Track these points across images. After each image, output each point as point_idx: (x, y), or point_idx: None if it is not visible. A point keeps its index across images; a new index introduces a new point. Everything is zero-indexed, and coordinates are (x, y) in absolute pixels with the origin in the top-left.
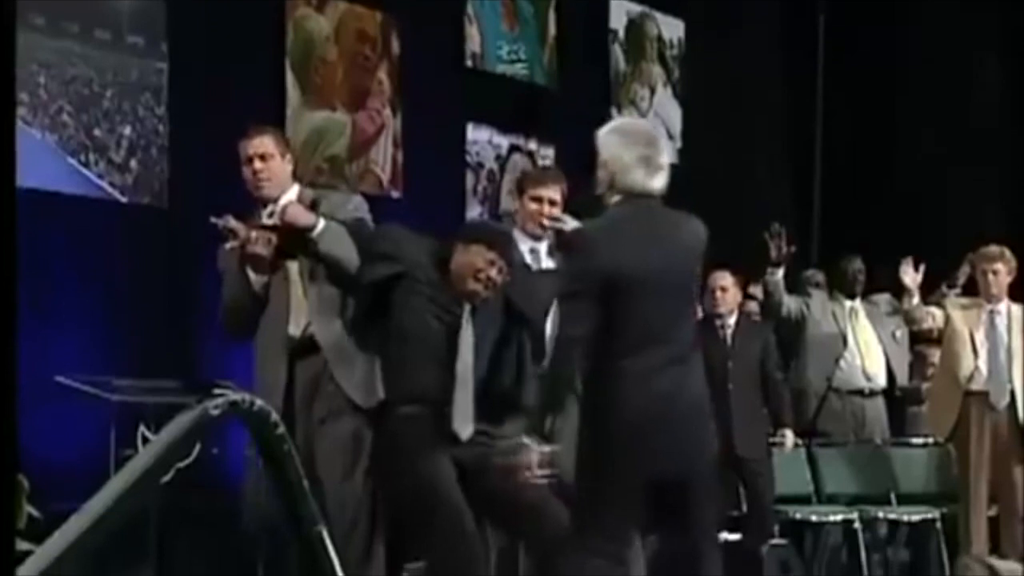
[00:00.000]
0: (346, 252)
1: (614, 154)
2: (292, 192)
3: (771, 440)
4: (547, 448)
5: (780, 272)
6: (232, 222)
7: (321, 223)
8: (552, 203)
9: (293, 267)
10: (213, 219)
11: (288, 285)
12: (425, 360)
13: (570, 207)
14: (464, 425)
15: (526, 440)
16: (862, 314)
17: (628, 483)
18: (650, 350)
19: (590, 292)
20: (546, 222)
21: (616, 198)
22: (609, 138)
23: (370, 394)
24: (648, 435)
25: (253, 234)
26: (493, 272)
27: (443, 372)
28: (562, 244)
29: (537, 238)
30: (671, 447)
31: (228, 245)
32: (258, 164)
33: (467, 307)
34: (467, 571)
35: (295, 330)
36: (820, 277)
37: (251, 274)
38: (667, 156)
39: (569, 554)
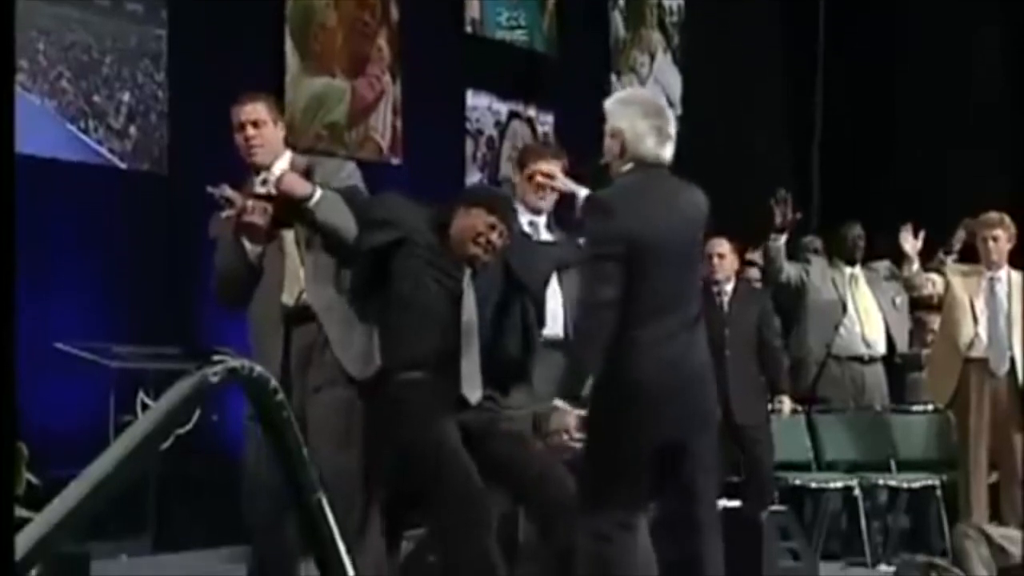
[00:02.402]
0: (343, 221)
1: (627, 123)
2: (285, 159)
3: (769, 407)
4: (582, 412)
5: (783, 238)
6: (228, 191)
7: (318, 192)
8: (552, 179)
9: (288, 236)
10: (210, 189)
11: (283, 254)
12: (427, 325)
13: (573, 175)
14: (473, 389)
15: (560, 404)
16: (862, 280)
17: (638, 450)
18: (660, 318)
19: (615, 255)
20: (540, 178)
21: (627, 167)
22: (620, 107)
23: (366, 365)
24: (658, 402)
25: (249, 203)
26: (493, 236)
27: (445, 337)
28: (580, 211)
29: (537, 211)
30: (679, 414)
31: (224, 214)
32: (250, 131)
33: (467, 271)
34: (475, 533)
35: (289, 299)
36: (818, 243)
37: (246, 244)
38: (674, 126)
39: (578, 519)
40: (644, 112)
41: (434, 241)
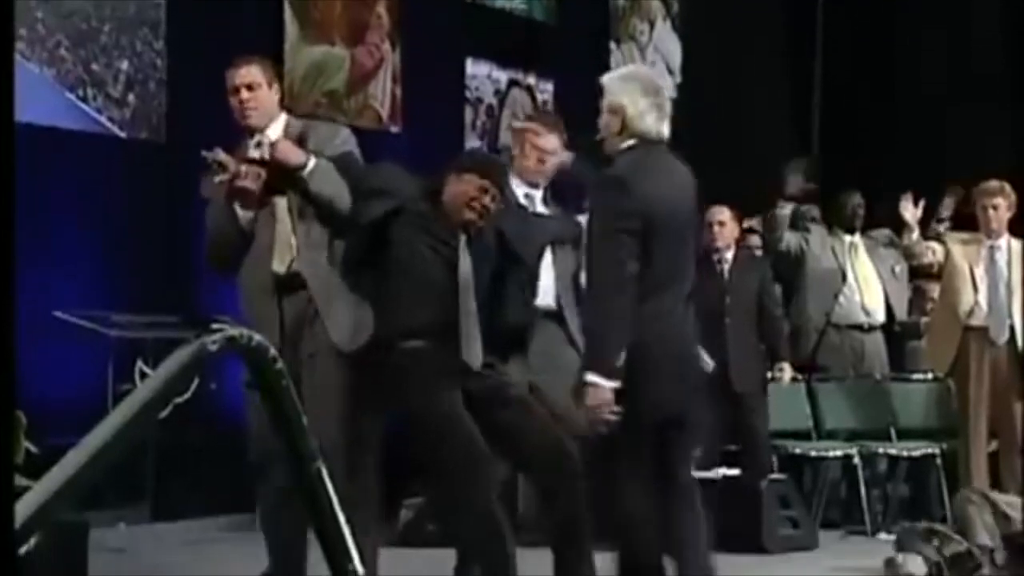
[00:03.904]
0: (337, 191)
1: (628, 100)
2: (280, 122)
3: (769, 375)
4: (616, 384)
5: (789, 207)
6: (221, 155)
7: (312, 162)
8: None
9: (281, 203)
10: (204, 153)
11: (274, 221)
12: (424, 293)
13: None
14: (474, 355)
15: (596, 379)
16: (861, 249)
17: (649, 422)
18: (660, 294)
19: (633, 230)
20: (526, 133)
21: (628, 143)
22: (621, 84)
23: (354, 336)
24: (660, 376)
25: (243, 168)
26: (487, 200)
27: (443, 304)
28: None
29: (533, 184)
30: (677, 387)
31: (217, 179)
32: (245, 94)
33: (463, 238)
34: (479, 500)
35: (280, 266)
36: (815, 212)
37: (238, 209)
38: (670, 104)
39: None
40: (644, 89)
41: (428, 209)
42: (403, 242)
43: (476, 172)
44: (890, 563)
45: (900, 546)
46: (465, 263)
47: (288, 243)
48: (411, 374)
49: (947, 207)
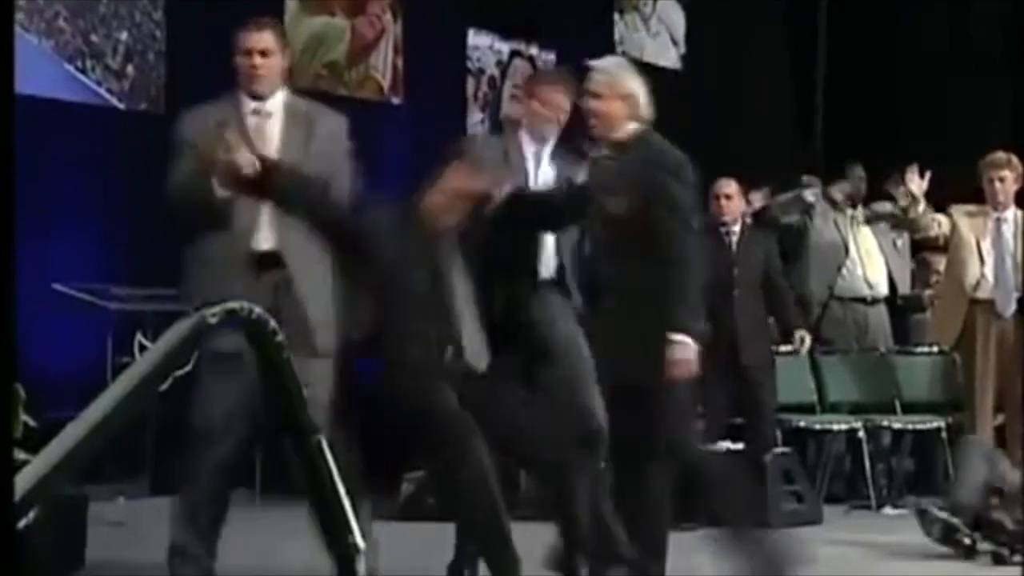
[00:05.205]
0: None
1: (637, 87)
2: (280, 95)
3: (786, 346)
4: (700, 348)
5: (816, 194)
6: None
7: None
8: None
9: None
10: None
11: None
12: (410, 304)
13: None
14: (479, 357)
15: (680, 338)
16: (863, 222)
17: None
18: None
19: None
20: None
21: (633, 127)
22: (624, 72)
23: (330, 334)
24: None
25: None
26: (466, 204)
27: (432, 313)
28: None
29: (542, 140)
30: None
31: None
32: (258, 60)
33: (451, 243)
34: (473, 478)
35: (263, 244)
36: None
37: (216, 185)
38: None
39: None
40: (639, 77)
41: (410, 231)
42: (387, 264)
43: (464, 171)
44: (923, 514)
45: (957, 477)
46: (458, 267)
47: (272, 221)
48: (394, 368)
49: (903, 195)
